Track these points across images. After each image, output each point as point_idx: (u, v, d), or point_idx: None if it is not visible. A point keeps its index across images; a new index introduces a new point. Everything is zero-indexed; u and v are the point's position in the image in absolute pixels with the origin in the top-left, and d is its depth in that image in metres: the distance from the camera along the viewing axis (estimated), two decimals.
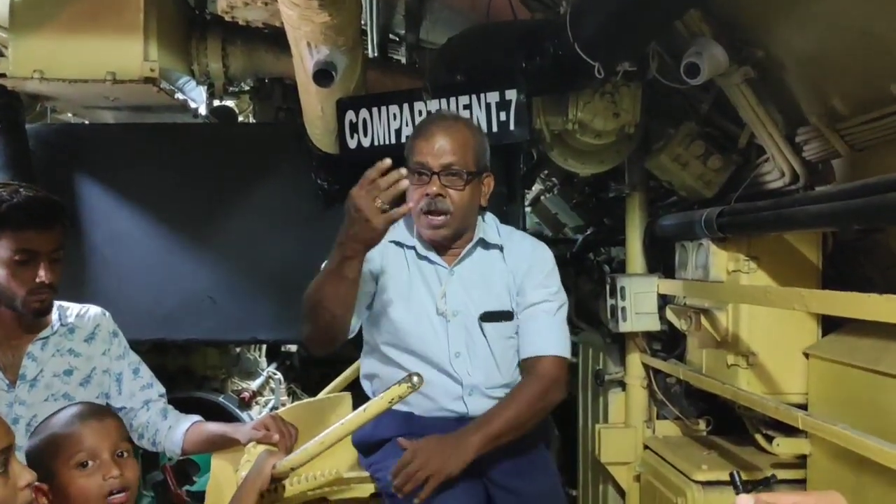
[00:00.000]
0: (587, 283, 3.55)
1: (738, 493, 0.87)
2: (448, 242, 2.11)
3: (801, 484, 2.25)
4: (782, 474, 2.26)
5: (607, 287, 2.84)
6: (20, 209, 1.85)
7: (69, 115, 3.60)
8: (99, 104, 3.14)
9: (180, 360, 4.17)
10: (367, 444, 2.15)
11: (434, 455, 1.89)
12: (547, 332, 2.09)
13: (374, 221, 1.77)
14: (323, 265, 1.95)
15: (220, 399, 4.17)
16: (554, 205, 4.56)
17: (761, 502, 0.83)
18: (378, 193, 1.76)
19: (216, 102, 3.80)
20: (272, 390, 4.85)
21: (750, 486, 1.05)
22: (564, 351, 2.09)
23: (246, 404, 4.35)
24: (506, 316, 2.11)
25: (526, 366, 2.09)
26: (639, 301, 2.72)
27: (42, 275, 1.87)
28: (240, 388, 4.44)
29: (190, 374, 4.22)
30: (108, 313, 2.13)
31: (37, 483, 1.47)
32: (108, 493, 1.53)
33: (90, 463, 1.53)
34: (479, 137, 2.12)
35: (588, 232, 3.76)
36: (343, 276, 1.87)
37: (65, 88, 2.81)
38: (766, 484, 2.25)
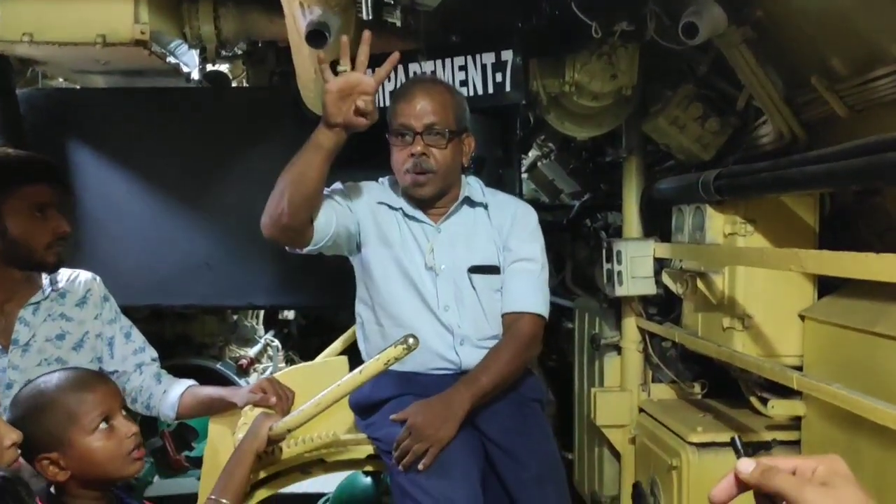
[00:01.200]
0: (583, 248, 3.54)
1: (738, 457, 0.87)
2: (432, 200, 2.15)
3: (795, 445, 2.27)
4: (777, 436, 2.28)
5: (603, 251, 2.83)
6: (30, 164, 1.94)
7: (60, 79, 3.56)
8: (90, 68, 3.10)
9: (178, 328, 4.19)
10: (364, 406, 2.16)
11: (427, 426, 1.92)
12: (529, 290, 2.15)
13: (333, 103, 1.86)
14: None
15: (218, 366, 4.19)
16: (551, 171, 4.53)
17: (762, 466, 0.83)
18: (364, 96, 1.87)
19: (209, 67, 3.75)
20: (270, 357, 4.88)
21: (750, 450, 1.06)
22: (543, 310, 2.16)
23: (244, 371, 4.38)
24: (493, 270, 2.17)
25: (507, 321, 2.15)
26: (635, 265, 2.72)
27: (63, 225, 1.93)
28: (237, 355, 4.47)
29: (188, 341, 4.24)
30: (98, 278, 2.13)
31: (46, 455, 1.48)
32: (130, 451, 1.55)
33: (110, 424, 1.54)
34: (458, 98, 2.18)
35: (585, 198, 3.74)
36: (318, 144, 1.91)
37: (55, 51, 2.76)
38: (767, 448, 2.27)
